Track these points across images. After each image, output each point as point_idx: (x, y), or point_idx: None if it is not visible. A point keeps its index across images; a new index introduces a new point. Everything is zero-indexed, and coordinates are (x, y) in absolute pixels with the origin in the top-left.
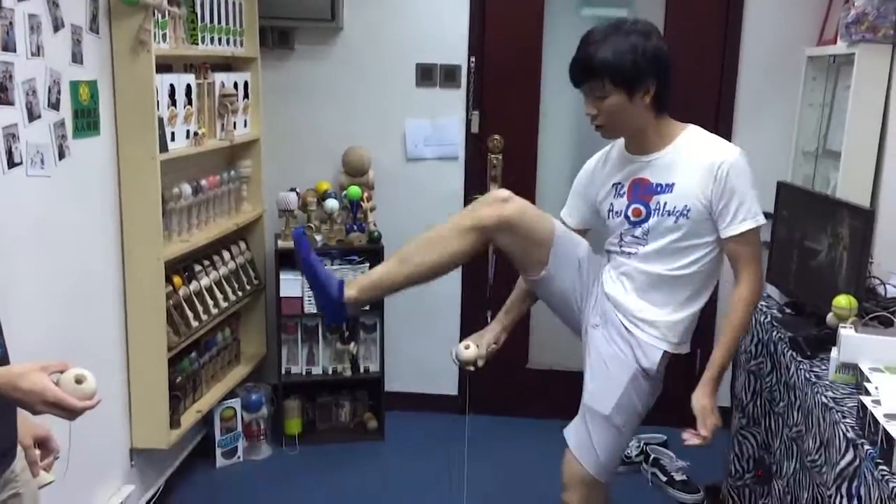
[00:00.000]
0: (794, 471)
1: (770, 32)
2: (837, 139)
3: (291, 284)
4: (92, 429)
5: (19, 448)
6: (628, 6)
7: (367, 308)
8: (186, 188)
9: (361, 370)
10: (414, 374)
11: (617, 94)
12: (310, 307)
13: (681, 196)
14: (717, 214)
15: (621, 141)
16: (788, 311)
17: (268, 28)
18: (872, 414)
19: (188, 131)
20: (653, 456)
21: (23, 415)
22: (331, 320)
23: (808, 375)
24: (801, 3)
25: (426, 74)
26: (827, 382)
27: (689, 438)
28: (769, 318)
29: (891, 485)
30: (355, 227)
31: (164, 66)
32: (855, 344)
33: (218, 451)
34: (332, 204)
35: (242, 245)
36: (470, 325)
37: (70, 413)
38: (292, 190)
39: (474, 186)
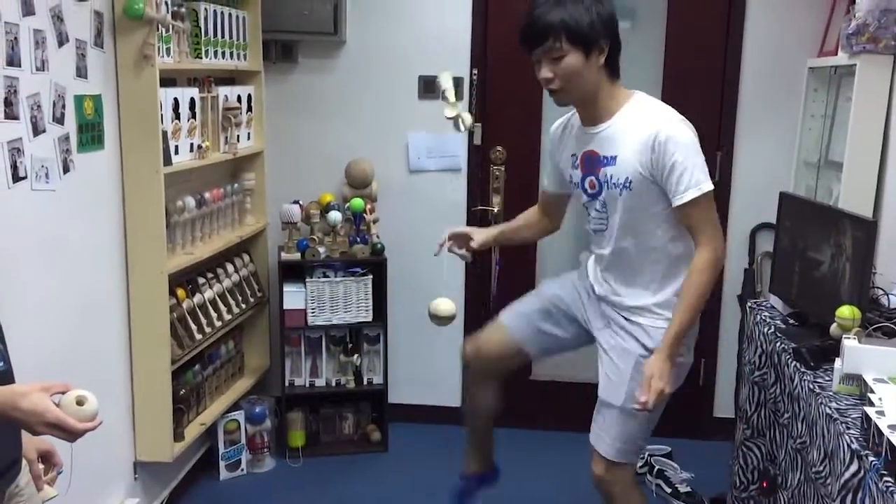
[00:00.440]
0: (798, 482)
1: (771, 43)
2: (839, 150)
3: (295, 297)
4: (96, 442)
5: (24, 462)
6: (630, 18)
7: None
8: (190, 201)
9: (365, 382)
10: (417, 386)
11: (574, 53)
12: (313, 319)
13: (622, 169)
14: (663, 185)
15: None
16: (791, 321)
17: (271, 42)
18: (876, 425)
19: (192, 144)
20: (657, 467)
21: (28, 436)
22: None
23: (811, 386)
24: (802, 14)
25: (429, 87)
26: (831, 393)
27: (638, 395)
28: (772, 329)
29: (895, 496)
30: (358, 239)
31: (168, 79)
32: (858, 355)
33: (221, 464)
34: (335, 216)
35: (246, 257)
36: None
37: (70, 435)
38: (295, 202)
39: (477, 198)
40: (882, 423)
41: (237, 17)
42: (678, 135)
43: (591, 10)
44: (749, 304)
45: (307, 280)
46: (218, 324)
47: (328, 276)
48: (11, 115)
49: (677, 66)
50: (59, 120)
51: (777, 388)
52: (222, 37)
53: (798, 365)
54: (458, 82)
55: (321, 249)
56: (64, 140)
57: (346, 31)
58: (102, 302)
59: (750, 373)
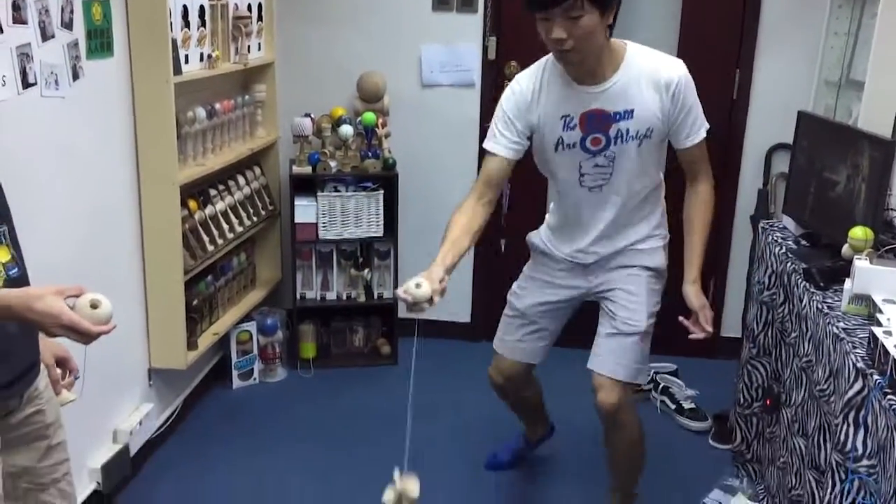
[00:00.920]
0: (802, 400)
1: None
2: (861, 69)
3: (306, 210)
4: (111, 349)
5: (42, 366)
6: None
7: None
8: (201, 112)
9: (375, 296)
10: None
11: (592, 12)
12: (324, 233)
13: (642, 119)
14: (674, 127)
15: (553, 69)
16: (803, 242)
17: None
18: (883, 344)
19: (202, 54)
20: (662, 384)
21: (43, 335)
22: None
23: (820, 306)
24: None
25: None
26: (839, 313)
27: (697, 332)
28: (784, 250)
29: None
30: (370, 154)
31: None
32: (869, 275)
33: (234, 373)
34: (346, 130)
35: (257, 170)
36: (484, 253)
37: (85, 337)
38: (307, 115)
39: (490, 114)
40: (889, 343)
41: None
42: (687, 78)
43: None
44: (761, 224)
45: (318, 194)
46: (230, 236)
47: (339, 191)
48: (20, 20)
49: None
50: (68, 25)
51: (785, 307)
52: None
53: (808, 285)
54: None
55: (332, 163)
56: (73, 46)
57: None
58: (114, 210)
59: (759, 293)
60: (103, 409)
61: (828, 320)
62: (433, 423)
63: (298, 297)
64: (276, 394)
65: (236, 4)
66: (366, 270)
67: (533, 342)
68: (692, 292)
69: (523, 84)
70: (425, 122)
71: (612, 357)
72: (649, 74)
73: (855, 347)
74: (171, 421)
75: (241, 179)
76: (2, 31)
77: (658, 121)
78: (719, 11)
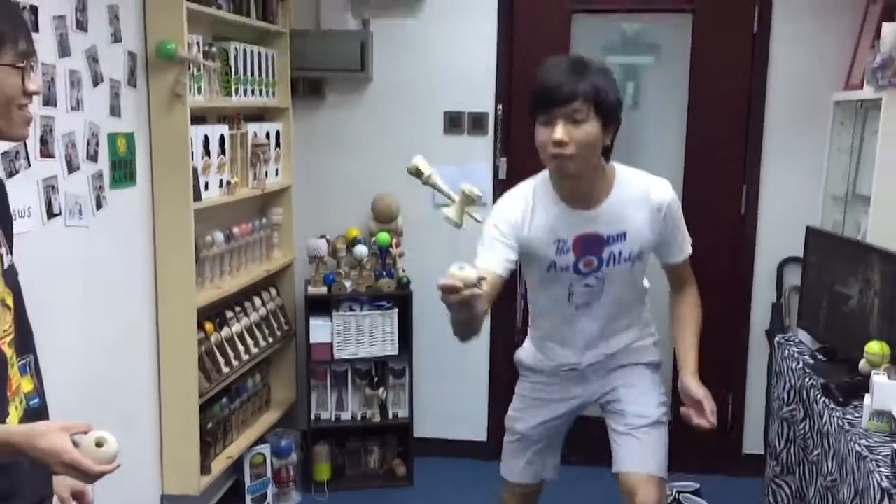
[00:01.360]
0: None
1: (796, 77)
2: (867, 183)
3: (321, 330)
4: (123, 475)
5: (55, 500)
6: (653, 53)
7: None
8: (219, 236)
9: (390, 416)
10: (443, 420)
11: (595, 122)
12: (339, 352)
13: (634, 242)
14: (664, 246)
15: (544, 191)
16: (820, 356)
17: (300, 79)
18: None
19: (221, 180)
20: None
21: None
22: None
23: (841, 423)
24: (827, 48)
25: (454, 122)
26: (861, 430)
27: (699, 420)
28: (801, 365)
29: None
30: (384, 273)
31: (199, 117)
32: (888, 391)
33: (248, 498)
34: (361, 250)
35: (273, 291)
36: (499, 370)
37: (86, 476)
38: (322, 237)
39: None
40: None
41: (267, 55)
42: (676, 197)
43: (616, 87)
44: (777, 339)
45: (333, 314)
46: (245, 357)
47: (354, 310)
48: (47, 154)
49: (702, 99)
50: (93, 157)
51: (806, 424)
52: (252, 75)
53: (827, 401)
54: (483, 118)
55: (347, 283)
56: (97, 177)
57: (373, 68)
58: (133, 336)
59: (779, 409)
60: None
61: (849, 437)
62: None
63: (313, 417)
64: None
65: (255, 133)
66: (381, 389)
67: (542, 459)
68: (693, 384)
69: (513, 204)
70: (438, 241)
71: (638, 453)
72: (641, 196)
73: (879, 466)
74: None
75: (257, 301)
76: (30, 165)
77: (649, 242)
78: (723, 129)
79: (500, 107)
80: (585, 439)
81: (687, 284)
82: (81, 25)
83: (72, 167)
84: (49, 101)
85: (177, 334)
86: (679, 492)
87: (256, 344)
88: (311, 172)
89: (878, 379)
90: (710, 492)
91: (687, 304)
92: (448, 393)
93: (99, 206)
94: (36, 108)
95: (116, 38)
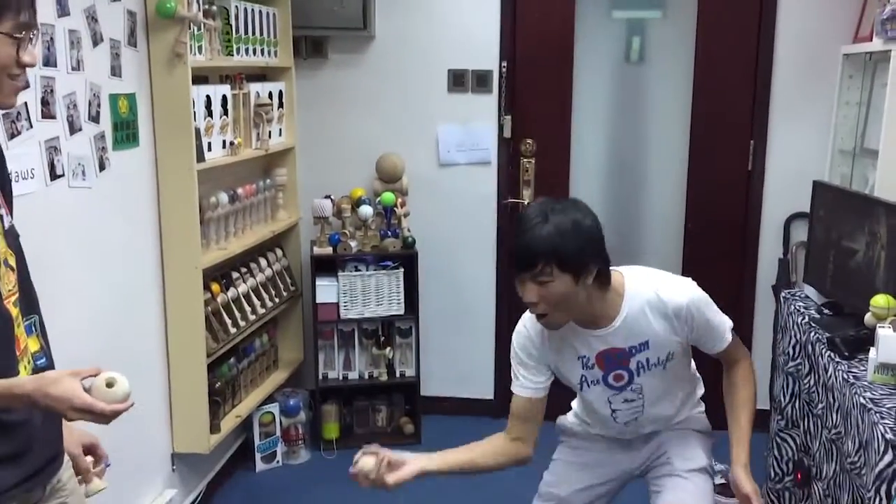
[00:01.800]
0: (833, 473)
1: (805, 31)
2: (875, 137)
3: (327, 290)
4: (134, 434)
5: (66, 457)
6: (660, 7)
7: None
8: (223, 197)
9: (398, 375)
10: (450, 378)
11: (562, 278)
12: (345, 312)
13: (660, 347)
14: (697, 342)
15: None
16: (826, 311)
17: (301, 38)
18: None
19: (224, 141)
20: None
21: (70, 424)
22: None
23: (846, 376)
24: (835, 0)
25: (458, 80)
26: (865, 383)
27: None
28: (806, 319)
29: None
30: (389, 233)
31: (201, 77)
32: (893, 344)
33: (257, 456)
34: (366, 210)
35: (279, 252)
36: (505, 329)
37: (100, 418)
38: (327, 197)
39: (507, 191)
40: None
41: (267, 13)
42: (698, 297)
43: (581, 232)
44: (783, 294)
45: (339, 274)
46: (252, 317)
47: (360, 270)
48: (48, 115)
49: (709, 55)
50: (95, 118)
51: (811, 378)
52: (253, 34)
53: (832, 355)
54: (487, 76)
55: (353, 243)
56: (99, 138)
57: (376, 26)
58: (139, 297)
59: (784, 363)
60: (127, 497)
61: (854, 390)
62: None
63: (321, 377)
64: (300, 476)
65: (258, 93)
66: (388, 349)
67: None
68: (742, 476)
69: (530, 328)
70: (443, 201)
71: (683, 491)
72: (654, 304)
73: (883, 418)
74: None
75: (262, 262)
76: (31, 126)
77: (677, 344)
78: (730, 84)
79: (504, 64)
80: None
81: (738, 362)
82: None
83: (74, 128)
84: (49, 61)
85: (183, 295)
86: None
87: (263, 304)
88: (314, 132)
89: (884, 332)
90: (716, 446)
91: (741, 388)
92: (455, 351)
93: (102, 167)
94: (36, 68)
95: None
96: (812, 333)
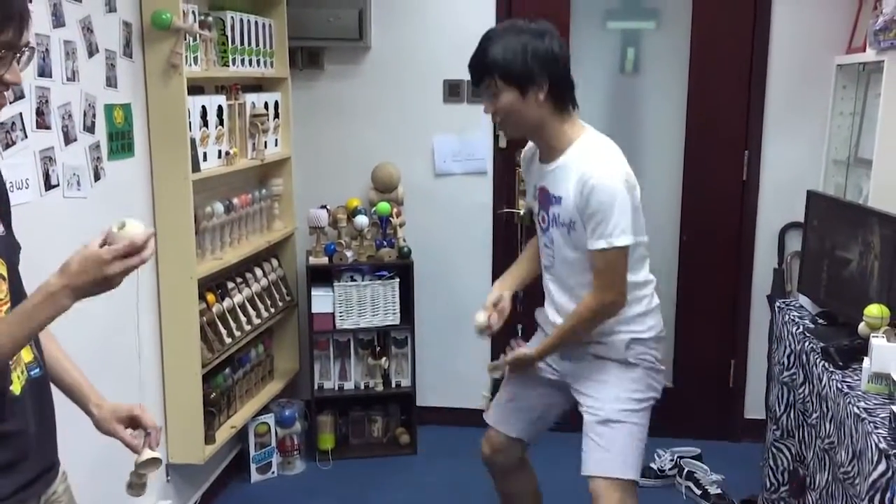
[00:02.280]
0: (827, 483)
1: (798, 41)
2: (869, 147)
3: (323, 300)
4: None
5: (62, 469)
6: (654, 18)
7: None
8: (219, 207)
9: (393, 385)
10: (446, 389)
11: (508, 90)
12: (341, 322)
13: (566, 209)
14: (585, 232)
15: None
16: (820, 321)
17: (297, 49)
18: None
19: (220, 151)
20: (687, 469)
21: (102, 403)
22: None
23: (840, 386)
24: (829, 11)
25: (454, 90)
26: (859, 393)
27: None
28: (801, 329)
29: None
30: (385, 243)
31: (196, 87)
32: (887, 353)
33: (252, 467)
34: (361, 220)
35: (274, 262)
36: (500, 338)
37: (139, 256)
38: (323, 207)
39: (503, 201)
40: None
41: (263, 24)
42: (604, 184)
43: (527, 50)
44: (778, 303)
45: (335, 284)
46: (247, 328)
47: (356, 280)
48: (43, 125)
49: (703, 65)
50: (90, 129)
51: (806, 388)
52: (249, 45)
53: (826, 364)
54: None
55: (348, 253)
56: (95, 148)
57: (372, 37)
58: (133, 306)
59: (779, 373)
60: None
61: (848, 400)
62: None
63: (316, 387)
64: (295, 487)
65: (253, 103)
66: (383, 359)
67: (517, 413)
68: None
69: (524, 150)
70: (439, 211)
71: (595, 454)
72: (578, 168)
73: (877, 427)
74: None
75: (258, 271)
76: (27, 136)
77: (577, 216)
78: (725, 94)
79: None
80: None
81: (594, 285)
82: None
83: (69, 138)
84: (44, 72)
85: (178, 305)
86: (680, 457)
87: (258, 314)
88: (310, 142)
89: (877, 341)
90: (711, 456)
91: (575, 308)
92: (450, 361)
93: (97, 177)
94: (31, 79)
95: (111, 7)
96: (806, 343)
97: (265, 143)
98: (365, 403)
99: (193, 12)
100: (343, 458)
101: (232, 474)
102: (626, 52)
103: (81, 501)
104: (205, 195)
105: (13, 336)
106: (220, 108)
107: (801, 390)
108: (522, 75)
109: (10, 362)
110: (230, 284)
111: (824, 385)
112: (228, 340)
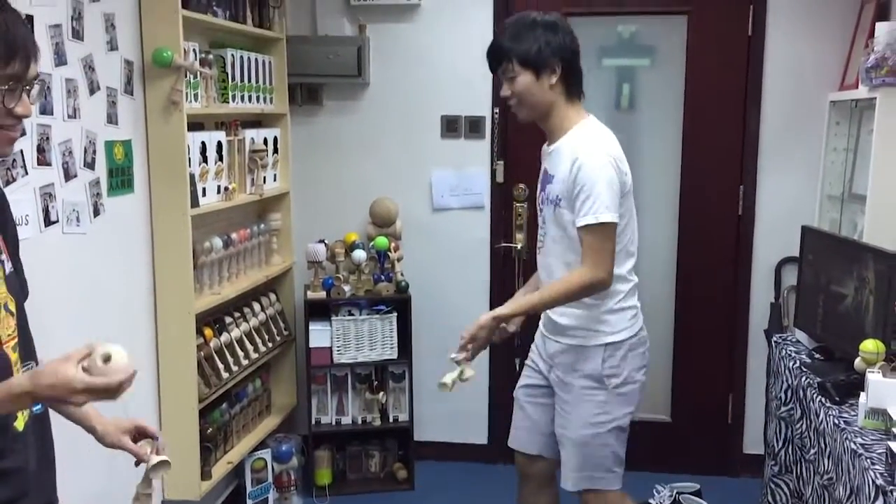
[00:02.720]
0: None
1: (792, 78)
2: (863, 183)
3: (320, 335)
4: (124, 480)
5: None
6: (649, 55)
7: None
8: (217, 242)
9: (391, 419)
10: (443, 424)
11: (525, 73)
12: (339, 356)
13: (557, 187)
14: (572, 207)
15: None
16: (817, 356)
17: (297, 85)
18: None
19: (219, 186)
20: None
21: (105, 419)
22: None
23: (837, 421)
24: (822, 48)
25: (451, 126)
26: (856, 428)
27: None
28: (798, 364)
29: None
30: (383, 277)
31: (196, 124)
32: (883, 389)
33: (249, 503)
34: (359, 254)
35: (272, 296)
36: (498, 373)
37: (108, 394)
38: (321, 241)
39: (500, 235)
40: None
41: (264, 62)
42: (592, 163)
43: (541, 38)
44: (775, 338)
45: (333, 318)
46: (245, 362)
47: (353, 315)
48: (44, 162)
49: (698, 101)
50: (90, 165)
51: (803, 423)
52: (249, 81)
53: (823, 400)
54: (480, 121)
55: (346, 288)
56: (94, 184)
57: (370, 74)
58: (131, 342)
59: (777, 408)
60: None
61: (845, 436)
62: None
63: (314, 422)
64: None
65: (252, 138)
66: (381, 394)
67: (529, 432)
68: (481, 319)
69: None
70: (437, 245)
71: (570, 472)
72: (572, 148)
73: (874, 463)
74: None
75: (256, 306)
76: (27, 173)
77: (564, 193)
78: (719, 130)
79: (496, 110)
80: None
81: (583, 261)
82: (77, 34)
83: (69, 175)
84: (46, 109)
85: (175, 340)
86: (679, 492)
87: (256, 349)
88: (309, 177)
89: (873, 377)
90: (711, 492)
91: (564, 276)
92: (448, 396)
93: (97, 213)
94: (33, 116)
95: (112, 46)
96: (803, 378)
97: (264, 178)
98: (362, 438)
99: (194, 50)
100: (340, 493)
101: None
102: (622, 88)
103: None
104: (203, 230)
105: None
106: (219, 144)
107: (798, 425)
108: (537, 59)
109: None
110: (228, 319)
111: (821, 420)
112: (226, 375)
